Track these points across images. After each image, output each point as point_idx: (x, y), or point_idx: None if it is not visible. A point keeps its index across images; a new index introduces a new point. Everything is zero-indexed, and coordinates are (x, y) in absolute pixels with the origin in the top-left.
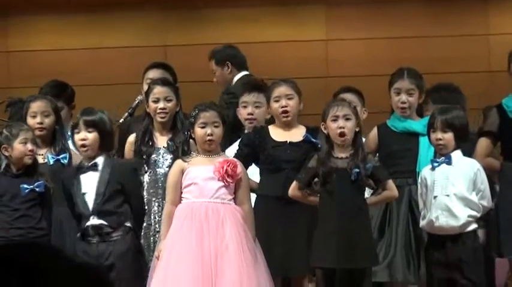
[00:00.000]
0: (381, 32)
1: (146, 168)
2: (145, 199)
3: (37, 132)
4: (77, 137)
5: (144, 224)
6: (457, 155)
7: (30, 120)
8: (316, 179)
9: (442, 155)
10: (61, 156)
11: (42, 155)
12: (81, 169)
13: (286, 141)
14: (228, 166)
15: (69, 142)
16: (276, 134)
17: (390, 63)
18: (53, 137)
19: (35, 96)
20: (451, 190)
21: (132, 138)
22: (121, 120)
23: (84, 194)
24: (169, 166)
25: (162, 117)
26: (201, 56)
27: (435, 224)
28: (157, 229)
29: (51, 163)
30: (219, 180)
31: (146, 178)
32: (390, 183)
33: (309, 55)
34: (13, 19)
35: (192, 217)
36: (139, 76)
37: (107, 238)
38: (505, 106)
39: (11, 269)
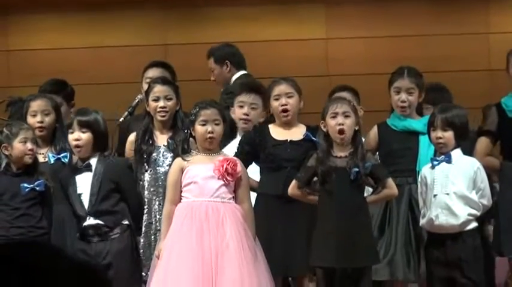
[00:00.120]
0: (381, 31)
1: (146, 167)
2: (146, 198)
3: (37, 132)
4: (70, 137)
5: (145, 223)
6: (457, 153)
7: (31, 119)
8: (315, 178)
9: (442, 153)
10: (62, 155)
11: (43, 154)
12: (76, 170)
13: (287, 140)
14: (228, 164)
15: None
16: (277, 132)
17: (390, 62)
18: (54, 136)
19: (35, 95)
20: (451, 188)
21: (132, 137)
22: (121, 119)
23: (80, 194)
24: (170, 165)
25: (162, 116)
26: (201, 54)
27: (435, 223)
28: (158, 228)
29: (52, 161)
30: (219, 179)
31: (147, 177)
32: (390, 181)
33: (309, 54)
34: (13, 18)
35: (192, 216)
36: (139, 75)
37: (105, 237)
38: (504, 105)
39: (11, 268)
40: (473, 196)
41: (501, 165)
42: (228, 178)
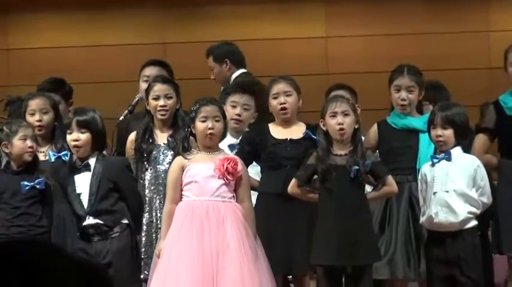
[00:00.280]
0: (381, 29)
1: (147, 165)
2: (146, 196)
3: (36, 131)
4: (69, 137)
5: (147, 221)
6: (457, 151)
7: (29, 118)
8: (315, 177)
9: (442, 151)
10: (62, 153)
11: (43, 152)
12: (74, 169)
13: (287, 139)
14: (229, 163)
15: None
16: (276, 131)
17: (390, 60)
18: (53, 134)
19: (33, 94)
20: (451, 186)
21: (132, 136)
22: (121, 118)
23: (79, 194)
24: (170, 163)
25: (162, 115)
26: (200, 53)
27: (434, 220)
28: (159, 226)
29: (53, 160)
30: (219, 178)
31: (147, 176)
32: (390, 178)
33: (309, 52)
34: (13, 17)
35: (193, 215)
36: (139, 74)
37: (104, 236)
38: (502, 103)
39: (11, 266)
40: (473, 193)
41: (499, 163)
42: (229, 177)
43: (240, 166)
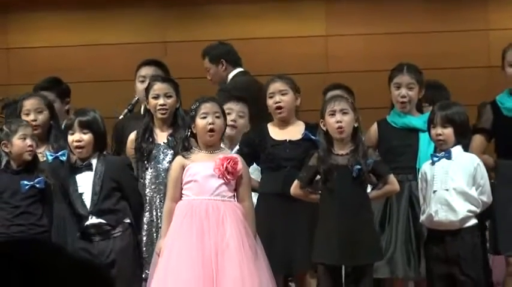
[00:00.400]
0: (381, 28)
1: (147, 165)
2: (147, 196)
3: None
4: (71, 138)
5: (147, 221)
6: (457, 150)
7: (24, 118)
8: (317, 177)
9: (442, 150)
10: (60, 153)
11: (40, 153)
12: (76, 169)
13: (286, 140)
14: (228, 163)
15: None
16: (275, 132)
17: (390, 59)
18: (49, 134)
19: (27, 94)
20: (450, 184)
21: (133, 135)
22: (120, 117)
23: (81, 194)
24: (170, 161)
25: (162, 114)
26: (200, 52)
27: (434, 219)
28: (160, 225)
29: (50, 160)
30: (219, 177)
31: (148, 175)
32: (391, 177)
33: (309, 51)
34: (13, 16)
35: (192, 214)
36: None
37: (106, 236)
38: (499, 103)
39: (11, 265)
40: (473, 192)
41: (495, 163)
42: (228, 177)
43: (240, 165)
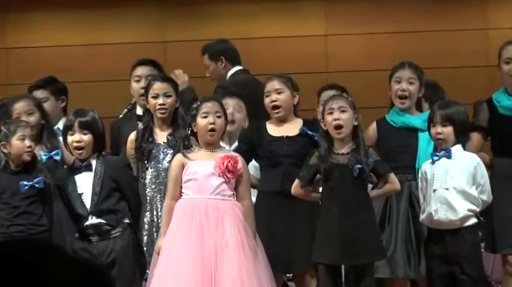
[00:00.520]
0: (380, 27)
1: (147, 164)
2: (148, 196)
3: None
4: (71, 139)
5: (148, 220)
6: (457, 149)
7: None
8: (318, 176)
9: (442, 149)
10: (53, 153)
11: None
12: (75, 170)
13: (283, 136)
14: (229, 161)
15: (61, 138)
16: (273, 129)
17: (389, 58)
18: (42, 134)
19: (16, 97)
20: (450, 183)
21: (133, 136)
22: (120, 116)
23: (80, 194)
24: (170, 161)
25: (161, 113)
26: (200, 52)
27: (434, 218)
28: (160, 225)
29: (44, 160)
30: (219, 176)
31: (148, 175)
32: (392, 176)
33: (309, 50)
34: (12, 15)
35: (192, 213)
36: None
37: (105, 236)
38: (495, 101)
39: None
40: (473, 191)
41: (491, 161)
42: (229, 175)
43: (240, 163)
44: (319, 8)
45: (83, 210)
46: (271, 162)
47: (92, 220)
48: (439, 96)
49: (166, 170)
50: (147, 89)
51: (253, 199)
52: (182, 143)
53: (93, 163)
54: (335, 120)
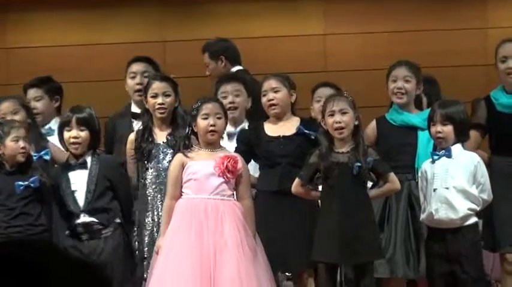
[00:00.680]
0: (379, 26)
1: (147, 165)
2: (148, 196)
3: None
4: (68, 134)
5: (149, 220)
6: (457, 148)
7: None
8: (318, 174)
9: (442, 148)
10: (43, 152)
11: None
12: (69, 167)
13: (280, 136)
14: (229, 161)
15: (53, 137)
16: (270, 129)
17: (388, 58)
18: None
19: (2, 97)
20: (451, 182)
21: (132, 136)
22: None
23: (73, 191)
24: (170, 161)
25: (161, 113)
26: (200, 51)
27: (434, 217)
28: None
29: (35, 160)
30: (219, 176)
31: (148, 175)
32: (392, 175)
33: (308, 49)
34: (12, 15)
35: (192, 213)
36: None
37: (97, 235)
38: (493, 99)
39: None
40: (473, 190)
41: (489, 159)
42: (229, 175)
43: (240, 163)
44: (318, 7)
45: (75, 207)
46: (268, 162)
47: (84, 218)
48: (435, 91)
49: (167, 170)
50: (146, 88)
51: None
52: (182, 143)
53: (88, 160)
54: (336, 123)
